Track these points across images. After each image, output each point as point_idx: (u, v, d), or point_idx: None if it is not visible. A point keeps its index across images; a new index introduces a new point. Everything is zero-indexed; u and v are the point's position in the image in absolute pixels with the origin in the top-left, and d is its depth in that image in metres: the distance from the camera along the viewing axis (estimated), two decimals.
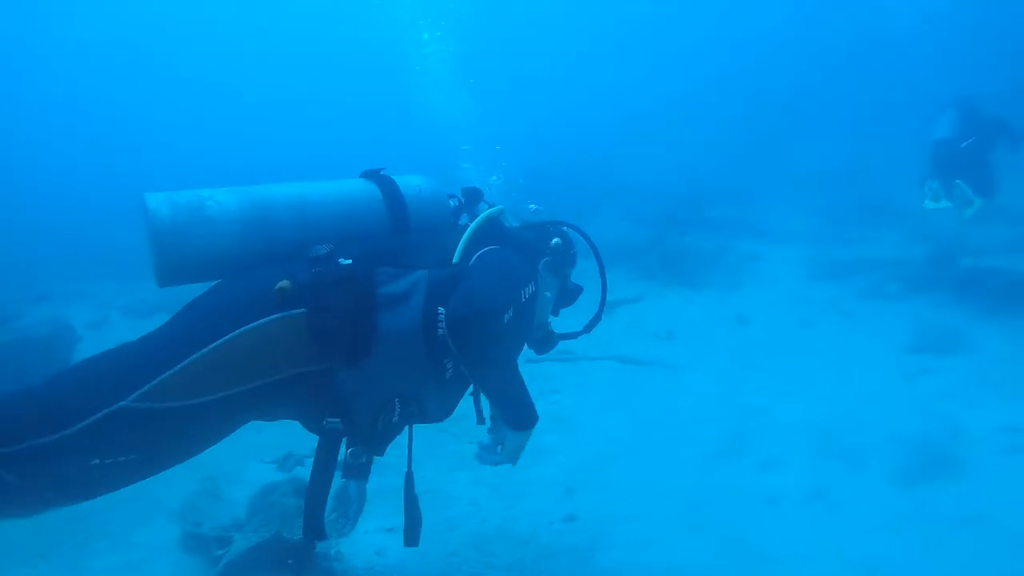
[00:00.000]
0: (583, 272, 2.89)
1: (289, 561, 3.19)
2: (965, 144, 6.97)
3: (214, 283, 2.11)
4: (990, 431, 4.34)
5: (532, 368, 2.46)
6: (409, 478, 2.46)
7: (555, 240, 2.66)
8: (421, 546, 3.42)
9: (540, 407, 2.57)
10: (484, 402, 2.51)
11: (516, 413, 2.30)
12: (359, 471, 2.52)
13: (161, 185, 2.23)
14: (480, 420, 2.56)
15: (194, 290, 2.13)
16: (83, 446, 1.75)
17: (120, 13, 23.73)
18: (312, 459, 2.23)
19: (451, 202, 2.54)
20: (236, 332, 1.90)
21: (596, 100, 20.63)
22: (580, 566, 3.29)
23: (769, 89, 17.02)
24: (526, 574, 3.25)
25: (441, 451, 4.45)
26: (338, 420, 2.11)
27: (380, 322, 2.04)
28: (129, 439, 1.82)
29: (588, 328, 2.77)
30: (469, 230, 2.33)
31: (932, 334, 6.25)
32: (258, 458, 4.55)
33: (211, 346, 1.87)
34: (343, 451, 2.29)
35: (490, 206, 2.58)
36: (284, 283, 1.97)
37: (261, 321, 1.93)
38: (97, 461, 1.80)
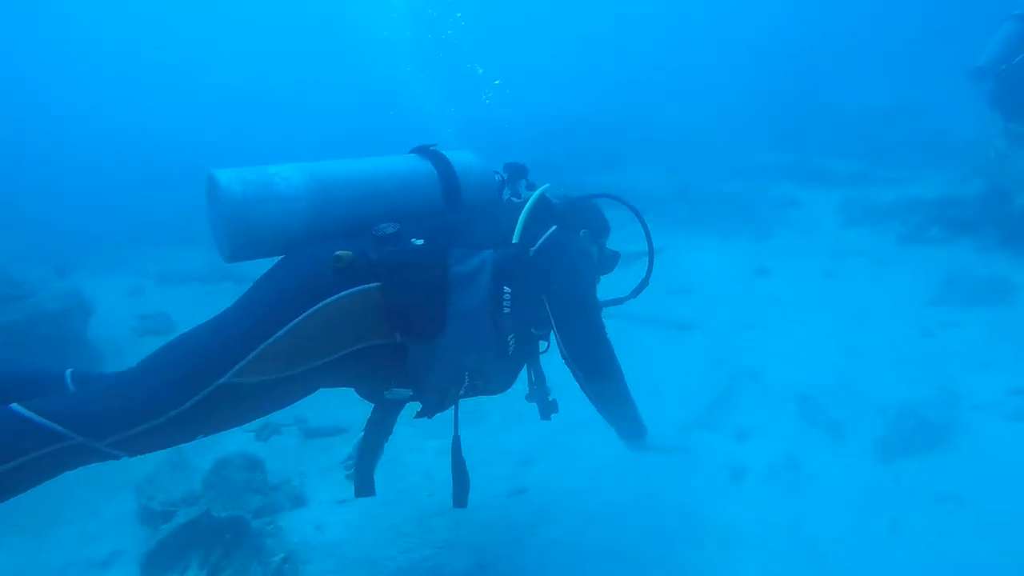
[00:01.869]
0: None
1: (227, 535, 3.24)
2: (1008, 65, 5.55)
3: (279, 258, 2.18)
4: (1000, 394, 3.93)
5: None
6: (456, 443, 2.63)
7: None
8: (360, 520, 3.46)
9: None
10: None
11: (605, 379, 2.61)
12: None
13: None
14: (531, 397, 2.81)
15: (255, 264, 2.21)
16: (189, 423, 1.92)
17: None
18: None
19: (495, 177, 2.62)
20: (318, 305, 1.99)
21: (631, 48, 19.63)
22: (516, 543, 3.18)
23: (814, 27, 15.66)
24: (459, 550, 3.18)
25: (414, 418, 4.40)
26: (408, 391, 2.24)
27: (452, 301, 2.15)
28: (226, 413, 1.99)
29: (635, 293, 2.85)
30: (526, 210, 2.39)
31: (967, 282, 5.70)
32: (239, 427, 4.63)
33: (296, 320, 1.96)
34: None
35: (530, 183, 2.70)
36: (343, 252, 2.05)
37: (341, 294, 2.01)
38: (201, 435, 1.99)
